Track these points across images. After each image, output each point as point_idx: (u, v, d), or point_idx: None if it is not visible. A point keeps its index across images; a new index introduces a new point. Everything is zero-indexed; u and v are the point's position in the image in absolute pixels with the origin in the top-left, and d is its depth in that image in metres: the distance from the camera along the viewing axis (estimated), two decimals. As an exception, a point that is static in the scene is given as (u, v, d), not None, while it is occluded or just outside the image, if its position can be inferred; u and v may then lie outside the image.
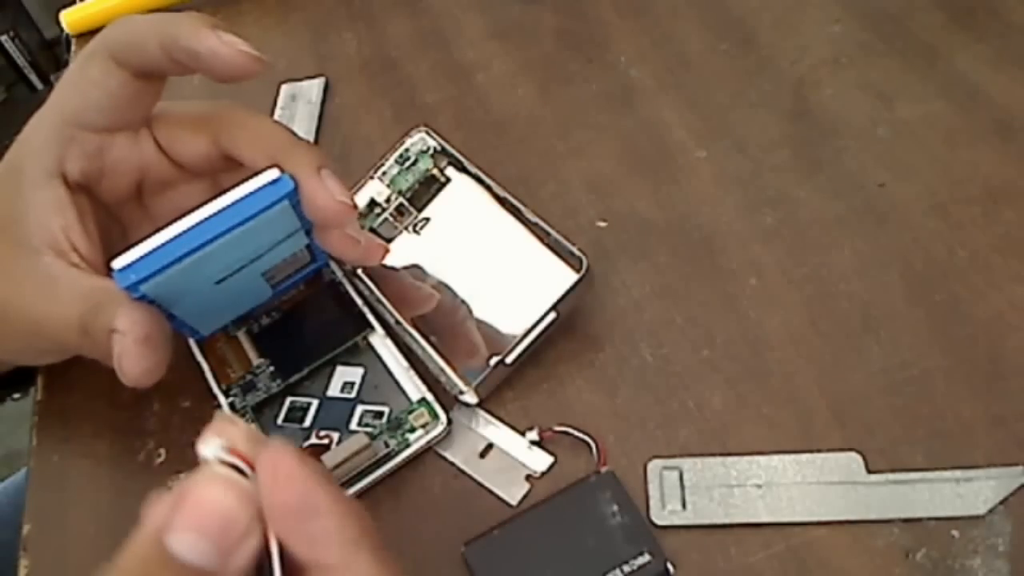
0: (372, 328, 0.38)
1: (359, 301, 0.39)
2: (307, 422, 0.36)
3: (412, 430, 0.35)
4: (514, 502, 0.33)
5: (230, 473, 0.22)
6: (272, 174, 0.31)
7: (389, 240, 0.39)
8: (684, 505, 0.32)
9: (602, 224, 0.41)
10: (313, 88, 0.51)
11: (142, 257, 0.30)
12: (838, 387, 0.34)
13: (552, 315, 0.35)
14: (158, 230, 0.30)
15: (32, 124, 0.35)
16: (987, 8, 0.45)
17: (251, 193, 0.31)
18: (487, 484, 0.34)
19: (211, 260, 0.31)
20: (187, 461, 0.37)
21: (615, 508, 0.31)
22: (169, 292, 0.32)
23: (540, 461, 0.34)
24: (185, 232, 0.30)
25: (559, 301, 0.35)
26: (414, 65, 0.51)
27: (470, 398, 0.35)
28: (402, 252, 0.39)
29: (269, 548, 0.21)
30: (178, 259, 0.30)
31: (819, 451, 0.32)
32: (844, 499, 0.31)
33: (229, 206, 0.31)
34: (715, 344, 0.36)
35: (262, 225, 0.32)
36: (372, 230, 0.40)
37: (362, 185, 0.41)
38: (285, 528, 0.22)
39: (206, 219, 0.31)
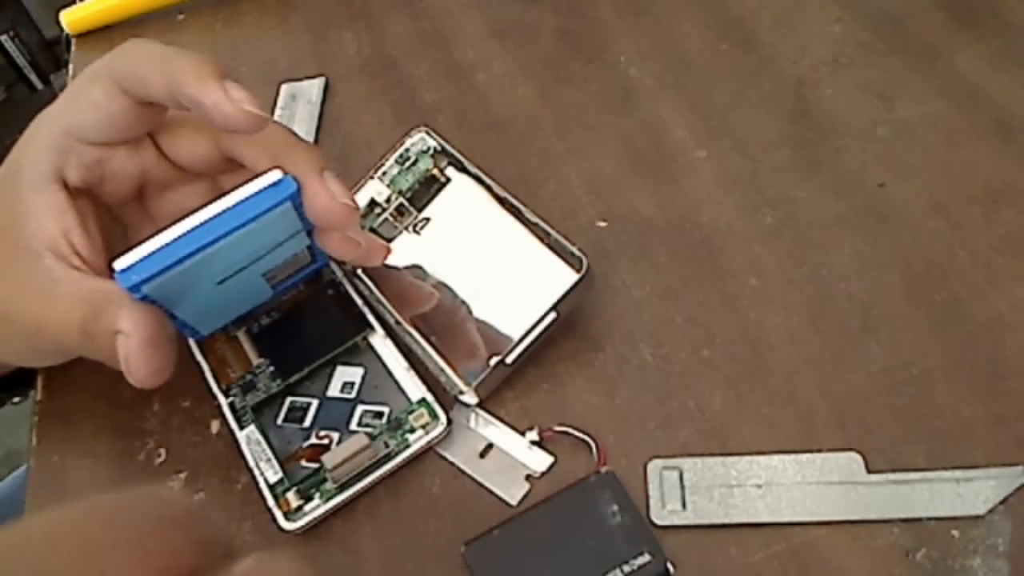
0: (372, 328, 0.38)
1: (359, 301, 0.39)
2: (307, 422, 0.36)
3: (412, 430, 0.35)
4: (514, 502, 0.33)
5: None
6: (274, 176, 0.31)
7: (389, 240, 0.39)
8: (684, 505, 0.32)
9: (602, 224, 0.41)
10: (313, 88, 0.51)
11: (144, 258, 0.30)
12: (838, 387, 0.34)
13: (552, 315, 0.35)
14: (160, 231, 0.30)
15: (33, 128, 0.35)
16: (987, 8, 0.45)
17: (254, 195, 0.31)
18: (487, 484, 0.34)
19: (213, 261, 0.31)
20: (187, 461, 0.37)
21: (615, 508, 0.31)
22: (170, 293, 0.32)
23: (540, 461, 0.34)
24: (187, 233, 0.30)
25: (559, 301, 0.35)
26: (414, 65, 0.51)
27: (470, 398, 0.35)
28: (402, 252, 0.39)
29: None
30: (180, 260, 0.30)
31: (819, 451, 0.32)
32: (844, 499, 0.31)
33: (231, 207, 0.31)
34: (715, 344, 0.36)
35: (264, 226, 0.32)
36: (372, 230, 0.40)
37: (362, 185, 0.41)
38: None
39: (208, 220, 0.31)
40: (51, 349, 0.36)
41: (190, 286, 0.32)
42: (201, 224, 0.30)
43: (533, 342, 0.35)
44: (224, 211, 0.31)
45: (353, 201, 0.33)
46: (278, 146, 0.34)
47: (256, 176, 0.31)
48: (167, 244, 0.30)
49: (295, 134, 0.35)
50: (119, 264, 0.30)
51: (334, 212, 0.33)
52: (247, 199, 0.31)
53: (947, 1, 0.46)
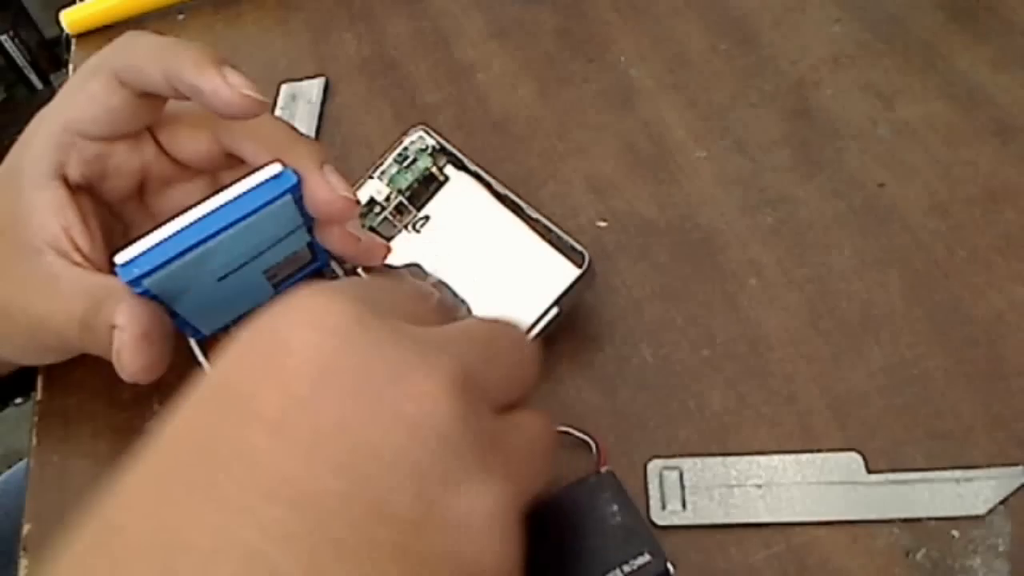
0: (372, 328, 0.38)
1: (359, 301, 0.39)
2: (307, 422, 0.36)
3: (412, 430, 0.35)
4: (514, 502, 0.33)
5: None
6: (275, 168, 0.31)
7: (389, 239, 0.39)
8: (684, 505, 0.32)
9: (602, 224, 0.41)
10: (313, 88, 0.51)
11: (145, 252, 0.30)
12: (838, 387, 0.34)
13: (554, 311, 0.35)
14: (161, 224, 0.30)
15: (33, 126, 0.35)
16: (987, 8, 0.45)
17: (254, 188, 0.31)
18: (487, 484, 0.34)
19: (214, 255, 0.31)
20: (187, 461, 0.37)
21: (615, 508, 0.31)
22: (172, 288, 0.32)
23: (540, 461, 0.34)
24: (188, 226, 0.30)
25: (561, 297, 0.35)
26: (414, 65, 0.51)
27: (470, 398, 0.35)
28: (402, 251, 0.39)
29: None
30: (181, 253, 0.30)
31: (819, 451, 0.32)
32: (844, 499, 0.31)
33: (232, 200, 0.31)
34: (715, 344, 0.36)
35: (265, 220, 0.32)
36: (372, 229, 0.40)
37: (361, 184, 0.41)
38: None
39: (209, 213, 0.30)
40: (53, 345, 0.36)
41: (191, 281, 0.32)
42: (202, 217, 0.30)
43: (535, 339, 0.35)
44: (225, 204, 0.31)
45: (353, 194, 0.33)
46: (278, 141, 0.34)
47: (256, 169, 0.31)
48: (168, 237, 0.30)
49: (295, 129, 0.35)
50: (120, 258, 0.30)
51: (334, 205, 0.33)
52: (248, 192, 0.31)
53: (947, 1, 0.46)
